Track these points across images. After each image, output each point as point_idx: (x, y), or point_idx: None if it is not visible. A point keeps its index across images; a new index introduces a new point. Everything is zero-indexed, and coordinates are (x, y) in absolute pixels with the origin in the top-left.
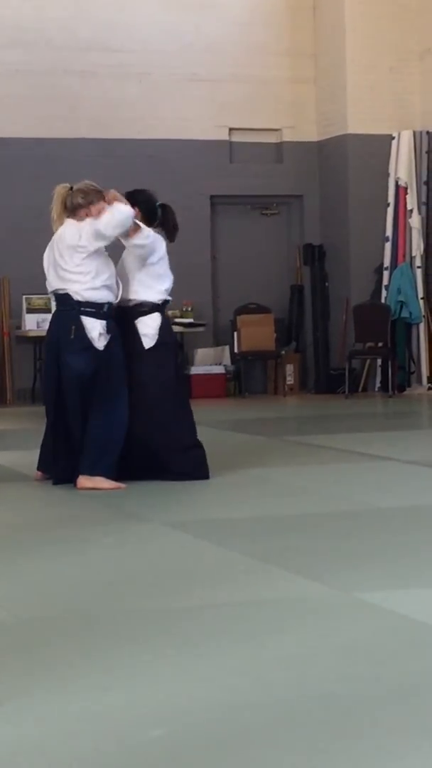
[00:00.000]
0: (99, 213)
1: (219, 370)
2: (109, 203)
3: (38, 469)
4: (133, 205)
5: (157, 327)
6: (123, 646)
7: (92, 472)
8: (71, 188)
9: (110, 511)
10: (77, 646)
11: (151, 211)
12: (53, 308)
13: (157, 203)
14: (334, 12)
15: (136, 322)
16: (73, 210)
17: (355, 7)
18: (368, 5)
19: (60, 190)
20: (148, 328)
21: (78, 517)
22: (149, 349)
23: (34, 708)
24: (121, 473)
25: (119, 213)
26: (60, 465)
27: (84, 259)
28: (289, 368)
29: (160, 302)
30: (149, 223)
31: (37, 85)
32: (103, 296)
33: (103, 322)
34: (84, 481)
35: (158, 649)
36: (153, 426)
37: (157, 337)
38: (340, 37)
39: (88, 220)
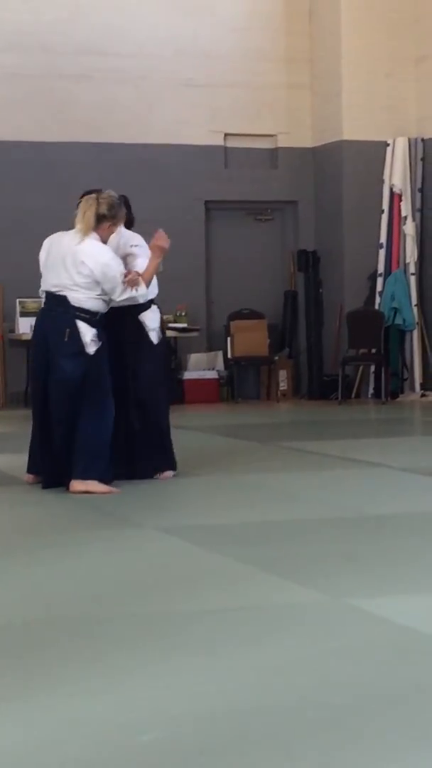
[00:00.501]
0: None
1: (212, 375)
2: (132, 282)
3: (29, 472)
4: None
5: (159, 321)
6: (117, 651)
7: (85, 476)
8: (98, 198)
9: (104, 515)
10: (71, 650)
11: (130, 213)
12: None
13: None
14: (330, 18)
15: (140, 317)
16: (97, 221)
17: (352, 14)
18: (364, 12)
19: (91, 200)
20: (153, 322)
21: (72, 522)
22: (156, 344)
23: (31, 712)
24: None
25: (139, 298)
26: (48, 468)
27: (87, 282)
28: (283, 374)
29: (154, 297)
30: (130, 226)
31: (33, 89)
32: (98, 306)
33: (95, 330)
34: (77, 485)
35: (152, 655)
36: (149, 417)
37: (160, 330)
38: (336, 44)
39: (103, 253)
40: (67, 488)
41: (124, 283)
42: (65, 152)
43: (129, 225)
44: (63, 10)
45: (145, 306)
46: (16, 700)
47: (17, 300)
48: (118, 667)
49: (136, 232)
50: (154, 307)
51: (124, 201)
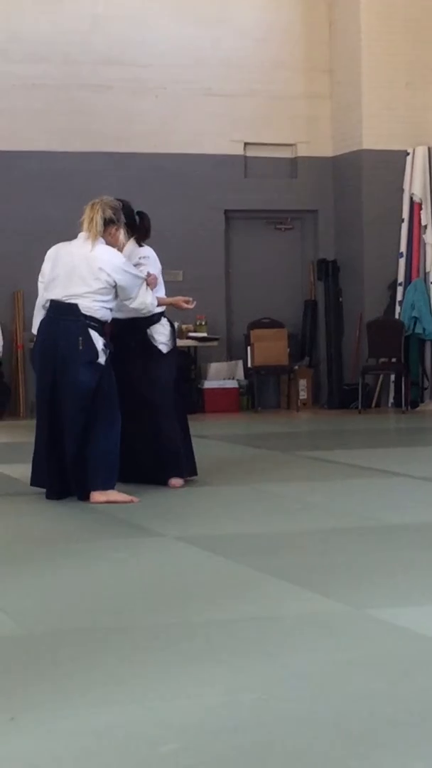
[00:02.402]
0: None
1: (232, 384)
2: (152, 282)
3: (34, 485)
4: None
5: (169, 333)
6: (134, 661)
7: (105, 487)
8: (102, 203)
9: (122, 525)
10: (89, 660)
11: (132, 220)
12: (38, 315)
13: (135, 212)
14: (350, 28)
15: (149, 330)
16: (104, 225)
17: (372, 23)
18: (384, 21)
19: (97, 204)
20: (162, 336)
21: (90, 531)
22: (166, 353)
23: (46, 722)
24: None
25: (150, 308)
26: (54, 479)
27: (104, 288)
28: (302, 383)
29: (163, 310)
30: (132, 232)
31: (53, 99)
32: (106, 315)
33: (103, 339)
34: (98, 495)
35: (169, 664)
36: (162, 425)
37: (171, 342)
38: (356, 53)
39: (118, 256)
40: (80, 498)
41: (145, 281)
42: (85, 162)
43: (143, 237)
44: (83, 21)
45: (155, 320)
46: (34, 711)
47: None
48: (137, 677)
49: (155, 242)
50: (164, 320)
51: (144, 216)
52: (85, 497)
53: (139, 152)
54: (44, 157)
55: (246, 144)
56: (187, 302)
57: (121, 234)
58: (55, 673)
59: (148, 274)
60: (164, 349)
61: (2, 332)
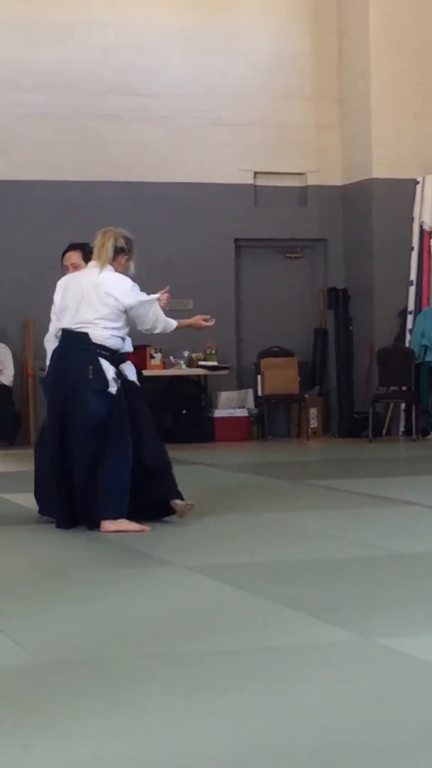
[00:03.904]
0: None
1: (242, 413)
2: (166, 300)
3: (43, 513)
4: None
5: (135, 372)
6: (143, 690)
7: (116, 516)
8: (114, 232)
9: (132, 554)
10: (99, 689)
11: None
12: (50, 344)
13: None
14: (359, 57)
15: (121, 367)
16: (114, 253)
17: (381, 53)
18: (393, 51)
19: (109, 232)
20: (132, 374)
21: (100, 560)
22: (139, 389)
23: (58, 750)
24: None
25: (167, 325)
26: (64, 508)
27: (113, 312)
28: (313, 412)
29: (130, 350)
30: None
31: (62, 129)
32: (118, 344)
33: (114, 368)
34: (109, 525)
35: (180, 694)
36: (158, 461)
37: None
38: (365, 82)
39: (125, 281)
40: (89, 528)
41: (158, 300)
42: (94, 192)
43: None
44: (93, 51)
45: (123, 359)
46: (45, 740)
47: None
48: (146, 707)
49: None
50: (129, 362)
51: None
52: (94, 526)
53: (148, 181)
54: (54, 187)
55: (256, 173)
56: (206, 320)
57: (131, 265)
58: (65, 702)
59: (163, 292)
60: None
61: (13, 360)
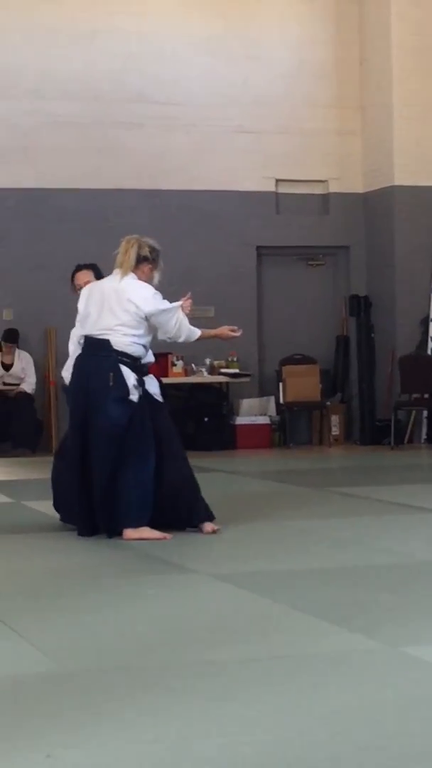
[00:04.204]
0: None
1: (264, 420)
2: (188, 307)
3: (64, 521)
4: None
5: (158, 386)
6: (166, 698)
7: (138, 524)
8: (139, 240)
9: (155, 561)
10: (121, 697)
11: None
12: (73, 351)
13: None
14: (381, 64)
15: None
16: (137, 262)
17: (402, 60)
18: (415, 58)
19: (133, 240)
20: (154, 387)
21: (122, 568)
22: (162, 403)
23: (81, 759)
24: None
25: (191, 334)
26: (85, 515)
27: (134, 319)
28: (335, 419)
29: (151, 362)
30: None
31: (85, 137)
32: (140, 351)
33: (135, 375)
34: (131, 533)
35: (203, 702)
36: (180, 480)
37: (160, 395)
38: (387, 90)
39: (146, 288)
40: (109, 536)
41: (181, 308)
42: (117, 199)
43: None
44: (115, 59)
45: (145, 372)
46: (69, 748)
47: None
48: (169, 714)
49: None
50: (151, 375)
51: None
52: (114, 534)
53: (171, 189)
54: (76, 195)
55: (277, 181)
56: (233, 331)
57: (156, 276)
58: (88, 710)
59: (186, 299)
60: (159, 399)
61: (35, 368)
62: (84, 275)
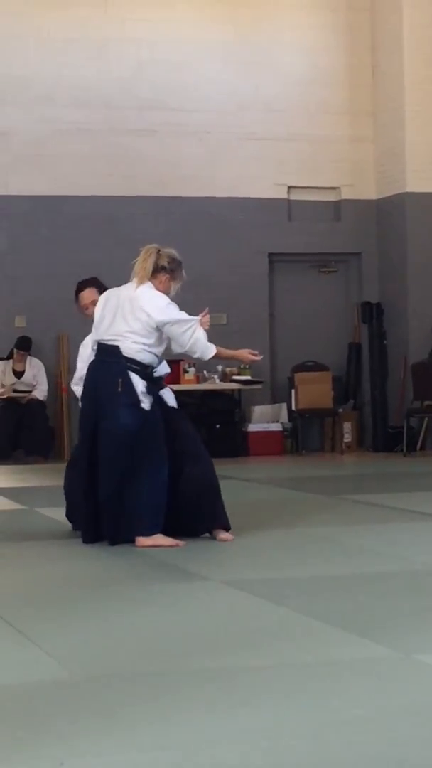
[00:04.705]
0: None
1: (276, 427)
2: (206, 322)
3: (77, 529)
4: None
5: (173, 397)
6: (179, 705)
7: (151, 531)
8: (158, 250)
9: (168, 568)
10: (134, 704)
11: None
12: (87, 357)
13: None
14: (394, 71)
15: (160, 393)
16: (155, 271)
17: (414, 66)
18: (427, 64)
19: (151, 249)
20: (170, 399)
21: (135, 575)
22: (181, 412)
23: (95, 767)
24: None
25: (206, 350)
26: (92, 521)
27: (144, 328)
28: (347, 426)
29: (167, 374)
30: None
31: (98, 144)
32: (150, 359)
33: (145, 382)
34: (144, 540)
35: (217, 709)
36: (207, 474)
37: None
38: (399, 96)
39: (161, 297)
40: (111, 543)
41: (200, 322)
42: (130, 206)
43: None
44: (127, 67)
45: (162, 385)
46: (82, 756)
47: None
48: (182, 721)
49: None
50: (167, 387)
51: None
52: (116, 542)
53: (183, 196)
54: (88, 202)
55: (290, 188)
56: (254, 355)
57: (174, 287)
58: (101, 717)
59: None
60: (174, 404)
61: (47, 375)
62: (89, 294)
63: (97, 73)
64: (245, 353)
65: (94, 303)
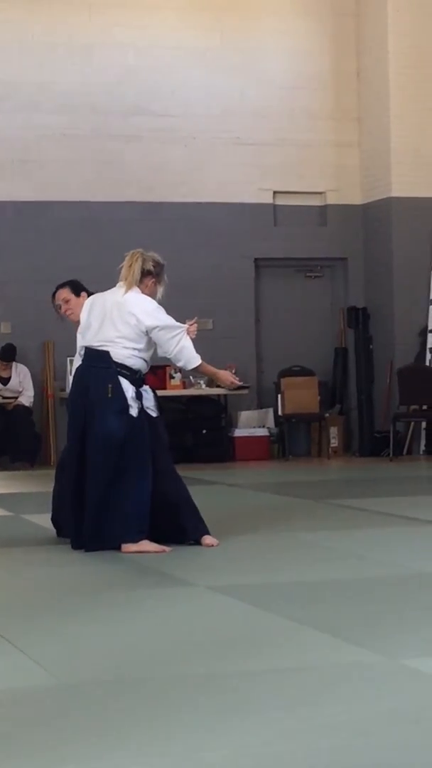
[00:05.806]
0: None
1: (262, 432)
2: (193, 330)
3: (62, 536)
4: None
5: (153, 399)
6: (167, 712)
7: (138, 538)
8: (143, 254)
9: (153, 574)
10: (122, 711)
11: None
12: (76, 363)
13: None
14: (378, 76)
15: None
16: (141, 275)
17: (400, 71)
18: (412, 70)
19: (136, 253)
20: (149, 401)
21: (121, 581)
22: (156, 417)
23: None
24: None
25: (192, 360)
26: (78, 528)
27: (134, 332)
28: (333, 431)
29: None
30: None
31: (83, 149)
32: (139, 364)
33: (134, 388)
34: (130, 546)
35: (204, 715)
36: (180, 485)
37: (157, 408)
38: (384, 101)
39: (149, 302)
40: (89, 549)
41: (186, 330)
42: (115, 212)
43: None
44: (112, 72)
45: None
46: (71, 763)
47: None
48: (171, 728)
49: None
50: (146, 387)
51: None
52: (95, 548)
53: (168, 201)
54: (74, 207)
55: (275, 192)
56: (234, 379)
57: (159, 290)
58: (90, 724)
59: (192, 323)
60: (153, 413)
61: (33, 381)
62: (60, 293)
63: (82, 78)
64: (227, 375)
65: (65, 301)
